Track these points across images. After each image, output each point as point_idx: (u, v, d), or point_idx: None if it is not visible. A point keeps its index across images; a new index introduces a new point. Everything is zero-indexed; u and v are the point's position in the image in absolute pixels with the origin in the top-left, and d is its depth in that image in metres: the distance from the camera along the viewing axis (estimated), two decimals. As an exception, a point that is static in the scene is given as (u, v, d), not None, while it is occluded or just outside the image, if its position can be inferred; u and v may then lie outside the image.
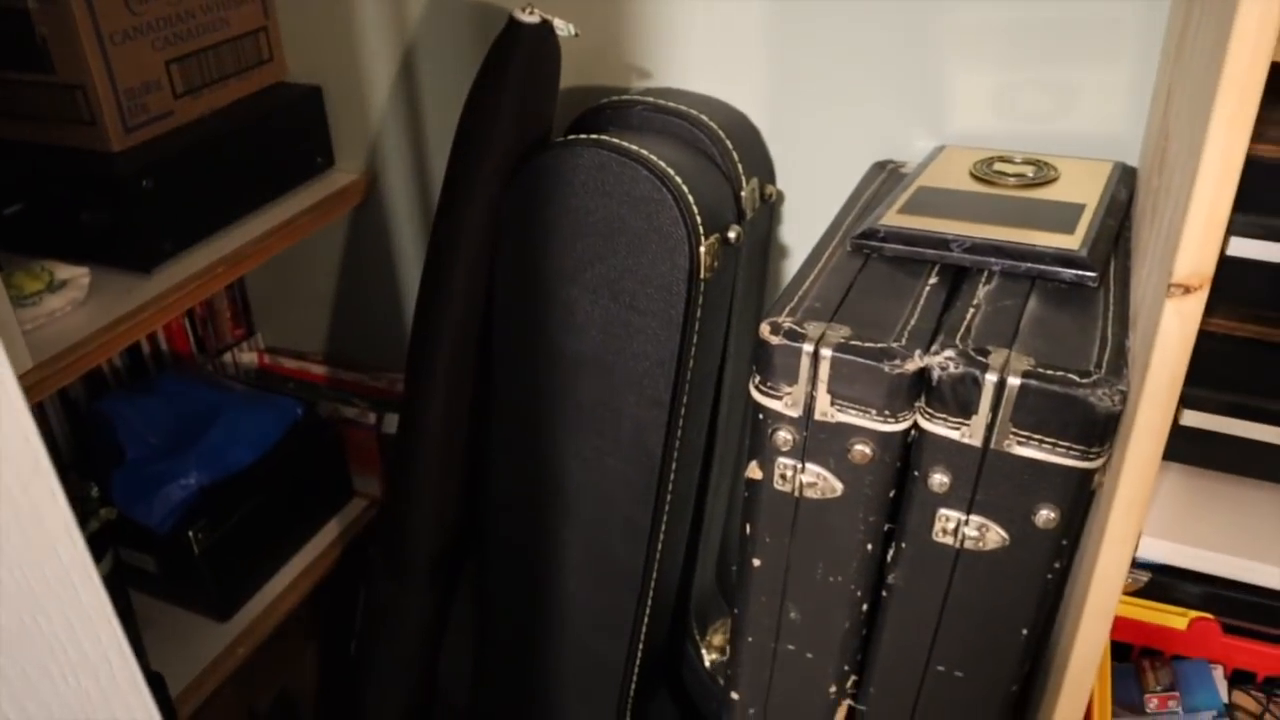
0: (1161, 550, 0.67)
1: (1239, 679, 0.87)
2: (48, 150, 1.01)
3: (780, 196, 1.07)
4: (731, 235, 0.92)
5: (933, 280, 0.77)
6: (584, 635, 1.04)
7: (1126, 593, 0.87)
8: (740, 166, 0.97)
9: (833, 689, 0.84)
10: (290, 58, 1.20)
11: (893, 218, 0.81)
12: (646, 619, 1.03)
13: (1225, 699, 0.83)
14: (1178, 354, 0.56)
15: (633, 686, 1.06)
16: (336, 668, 1.44)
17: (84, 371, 0.93)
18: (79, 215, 1.00)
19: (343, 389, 1.40)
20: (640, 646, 1.04)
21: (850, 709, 0.86)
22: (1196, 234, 0.53)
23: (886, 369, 0.67)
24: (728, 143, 0.96)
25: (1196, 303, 0.54)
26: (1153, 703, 0.83)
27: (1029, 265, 0.75)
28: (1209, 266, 0.53)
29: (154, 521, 1.09)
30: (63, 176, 0.99)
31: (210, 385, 1.26)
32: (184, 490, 1.11)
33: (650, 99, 0.99)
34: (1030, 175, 0.87)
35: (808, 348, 0.69)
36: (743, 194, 0.96)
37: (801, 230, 1.09)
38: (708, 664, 1.19)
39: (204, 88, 1.09)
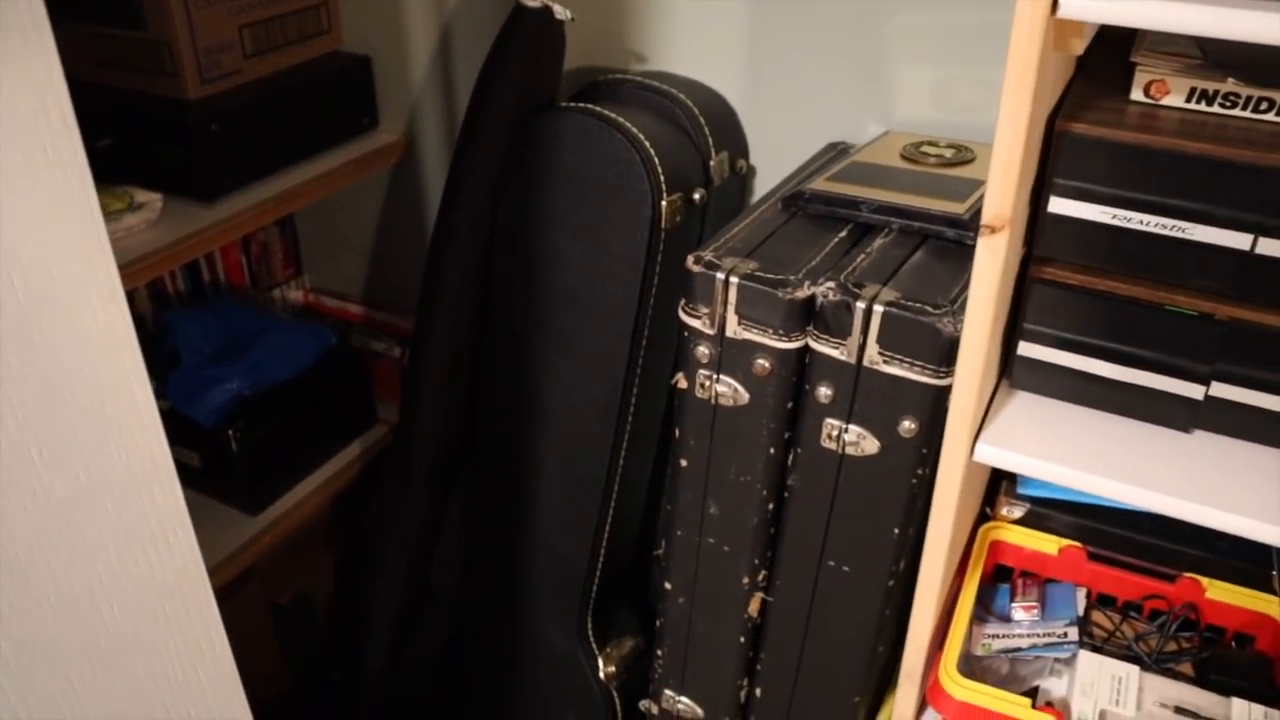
0: (1011, 461, 0.79)
1: (1105, 602, 1.00)
2: (134, 95, 1.21)
3: (752, 170, 1.22)
4: (695, 196, 1.08)
5: (842, 234, 0.92)
6: (554, 535, 1.20)
7: (1007, 521, 1.01)
8: (711, 140, 1.12)
9: (746, 580, 0.99)
10: (346, 30, 1.38)
11: (820, 183, 0.96)
12: (609, 525, 1.18)
13: (1080, 613, 0.96)
14: (990, 281, 0.70)
15: (595, 585, 1.22)
16: (351, 575, 1.63)
17: (153, 277, 1.12)
18: (157, 150, 1.19)
19: (374, 326, 1.58)
20: (602, 549, 1.20)
21: (762, 600, 1.01)
22: (997, 183, 0.67)
23: (781, 295, 0.83)
24: (700, 119, 1.12)
25: (1001, 240, 0.69)
26: (1018, 612, 0.97)
27: (920, 224, 0.89)
28: (1008, 210, 0.68)
29: (200, 416, 1.28)
30: (146, 117, 1.19)
31: (259, 311, 1.46)
32: (227, 393, 1.30)
33: (639, 78, 1.15)
34: (949, 156, 1.01)
35: (720, 275, 0.84)
36: (711, 163, 1.12)
37: (770, 202, 1.24)
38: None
39: (270, 51, 1.28)
